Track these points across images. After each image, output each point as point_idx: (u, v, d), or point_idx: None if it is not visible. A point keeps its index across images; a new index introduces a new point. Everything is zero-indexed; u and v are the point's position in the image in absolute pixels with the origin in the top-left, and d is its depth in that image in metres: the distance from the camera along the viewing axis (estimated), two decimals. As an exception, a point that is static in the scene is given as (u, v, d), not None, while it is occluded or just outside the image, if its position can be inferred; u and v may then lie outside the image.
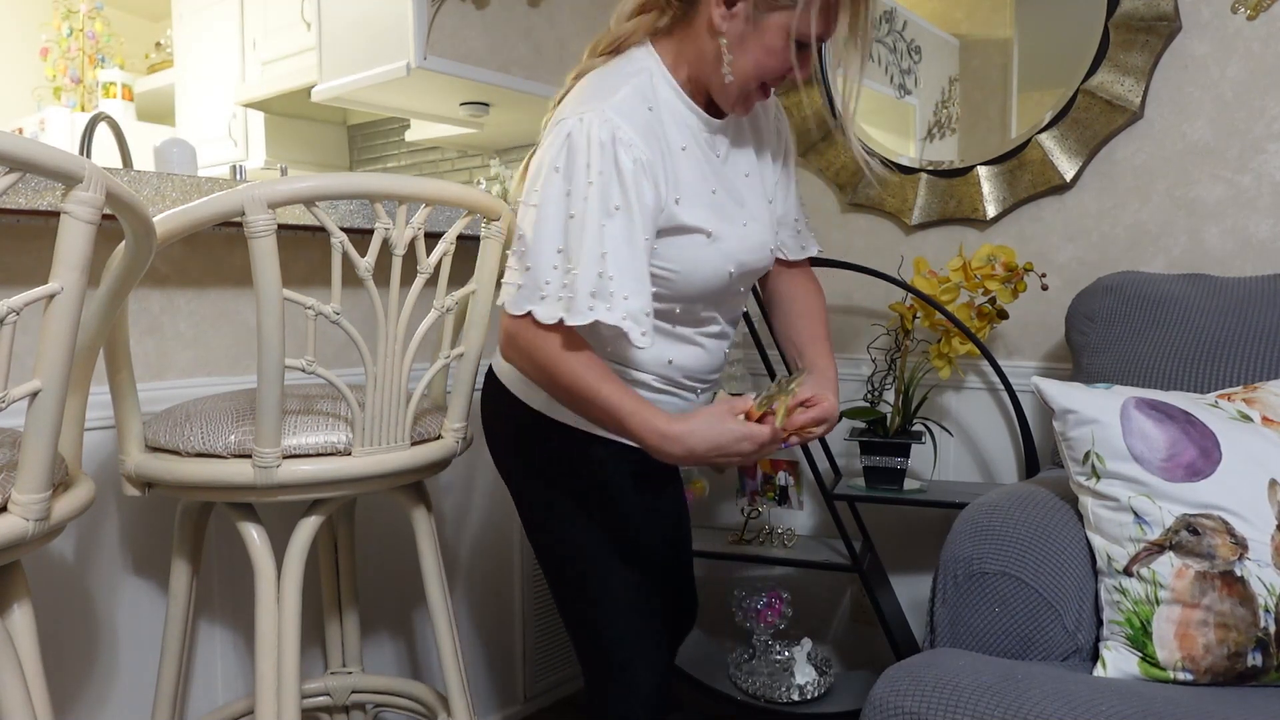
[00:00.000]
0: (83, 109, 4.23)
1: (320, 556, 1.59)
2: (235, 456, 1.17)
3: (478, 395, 1.83)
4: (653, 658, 1.25)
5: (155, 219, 0.98)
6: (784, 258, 1.33)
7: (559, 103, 1.15)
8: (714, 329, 1.25)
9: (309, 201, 1.09)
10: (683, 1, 1.13)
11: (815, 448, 2.10)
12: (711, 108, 1.19)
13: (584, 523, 1.23)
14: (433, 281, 1.23)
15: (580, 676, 1.70)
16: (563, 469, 1.24)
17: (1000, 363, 1.89)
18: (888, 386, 1.97)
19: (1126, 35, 1.78)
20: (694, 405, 1.25)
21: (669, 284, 1.15)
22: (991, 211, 1.96)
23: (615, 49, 1.17)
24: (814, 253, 1.36)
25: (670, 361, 1.21)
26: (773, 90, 1.19)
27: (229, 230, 1.52)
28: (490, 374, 1.31)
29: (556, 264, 1.05)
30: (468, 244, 1.52)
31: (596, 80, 1.13)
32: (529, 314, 1.07)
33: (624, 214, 1.05)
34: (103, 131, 2.38)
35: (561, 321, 1.05)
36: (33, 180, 1.17)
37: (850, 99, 1.16)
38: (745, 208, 1.21)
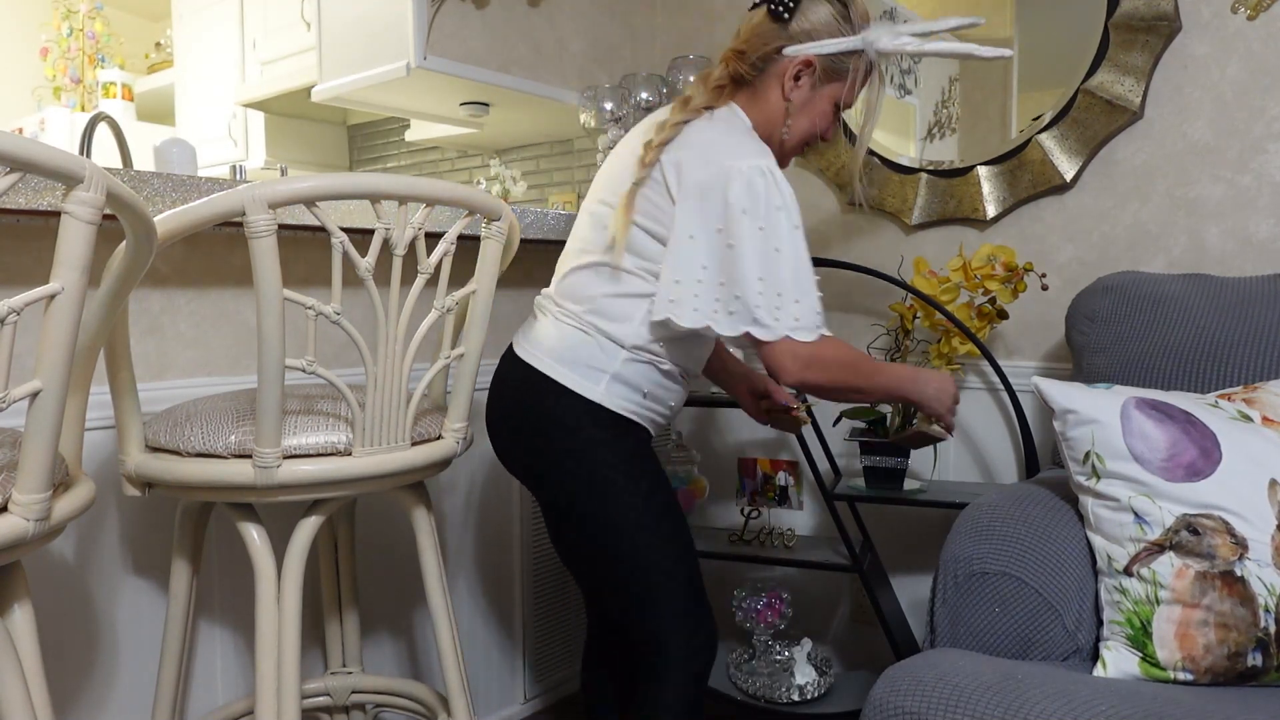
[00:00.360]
0: (83, 109, 4.23)
1: (320, 556, 1.59)
2: (235, 456, 1.17)
3: (478, 395, 1.82)
4: (702, 612, 1.37)
5: (155, 219, 0.98)
6: None
7: (661, 145, 1.30)
8: None
9: (309, 201, 1.09)
10: (758, 72, 1.36)
11: (815, 447, 2.10)
12: None
13: (644, 496, 1.33)
14: (433, 281, 1.23)
15: (578, 677, 1.70)
16: (626, 447, 1.33)
17: (1000, 363, 1.89)
18: (888, 386, 1.97)
19: (1126, 35, 1.78)
20: (685, 393, 1.45)
21: None
22: (991, 211, 1.96)
23: (706, 107, 1.36)
24: None
25: (697, 359, 1.43)
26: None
27: (229, 230, 1.52)
28: (536, 373, 1.33)
29: (810, 288, 1.26)
30: (468, 244, 1.52)
31: (724, 133, 1.31)
32: (823, 336, 1.26)
33: (800, 231, 1.26)
34: (103, 131, 2.38)
35: (821, 335, 1.27)
36: (33, 180, 1.17)
37: (865, 140, 1.46)
38: None
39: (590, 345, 1.31)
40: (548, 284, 1.43)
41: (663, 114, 1.37)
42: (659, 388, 1.35)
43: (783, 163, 1.37)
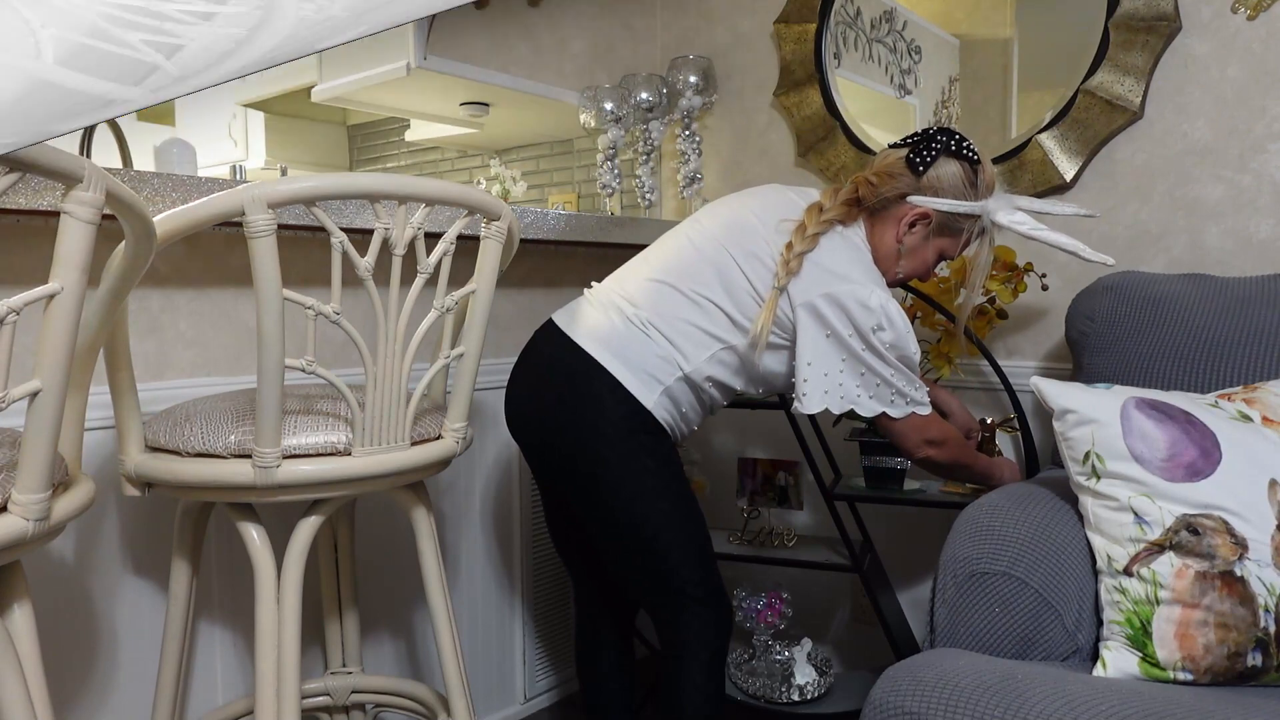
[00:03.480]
0: (83, 109, 4.22)
1: (320, 556, 1.59)
2: (235, 456, 1.17)
3: (478, 395, 1.82)
4: (723, 587, 1.48)
5: (155, 219, 0.98)
6: None
7: (804, 254, 1.40)
8: None
9: (309, 201, 1.09)
10: (882, 207, 1.46)
11: (815, 447, 2.10)
12: None
13: (674, 490, 1.42)
14: (433, 281, 1.23)
15: (576, 678, 1.70)
16: (663, 451, 1.41)
17: (1000, 363, 1.89)
18: (888, 386, 1.97)
19: (1126, 35, 1.78)
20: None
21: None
22: (991, 211, 1.96)
23: (840, 220, 1.45)
24: None
25: (724, 397, 1.53)
26: None
27: (229, 230, 1.52)
28: (595, 364, 1.40)
29: (901, 386, 1.44)
30: (468, 244, 1.52)
31: (850, 254, 1.42)
32: (912, 414, 1.45)
33: (917, 348, 1.45)
34: (103, 131, 2.38)
35: (924, 414, 1.47)
36: (33, 180, 1.17)
37: (971, 299, 1.61)
38: None
39: (658, 358, 1.39)
40: (548, 284, 1.43)
41: (795, 198, 1.49)
42: (693, 411, 1.46)
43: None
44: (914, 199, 1.43)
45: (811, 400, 1.40)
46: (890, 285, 1.48)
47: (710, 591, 1.43)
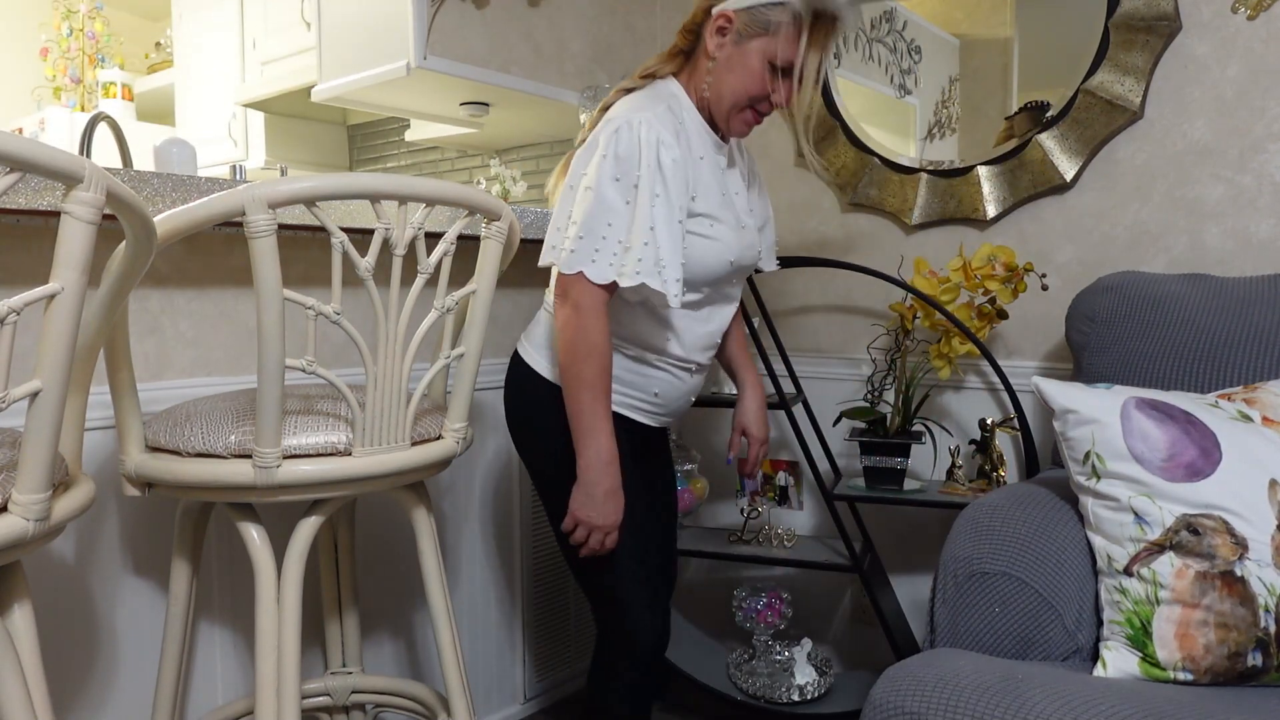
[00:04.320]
0: (83, 109, 4.22)
1: (320, 556, 1.59)
2: (235, 456, 1.17)
3: (478, 395, 1.82)
4: (648, 619, 1.38)
5: (155, 219, 0.98)
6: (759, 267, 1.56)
7: (603, 109, 1.37)
8: (708, 313, 1.43)
9: (309, 201, 1.09)
10: (694, 38, 1.37)
11: (815, 447, 2.10)
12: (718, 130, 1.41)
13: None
14: (433, 281, 1.23)
15: (580, 677, 1.71)
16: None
17: (1000, 363, 1.89)
18: (888, 387, 1.97)
19: (1126, 35, 1.78)
20: (687, 384, 1.45)
21: (685, 269, 1.32)
22: (992, 211, 1.96)
23: (648, 77, 1.41)
24: (773, 268, 1.62)
25: (669, 339, 1.40)
26: (753, 125, 1.39)
27: (229, 230, 1.52)
28: (515, 356, 1.46)
29: (606, 235, 1.25)
30: (468, 244, 1.52)
31: (640, 98, 1.34)
32: (580, 273, 1.25)
33: (664, 201, 1.26)
34: (103, 131, 2.38)
35: (614, 284, 1.26)
36: (33, 180, 1.17)
37: (806, 105, 1.37)
38: (740, 214, 1.43)
39: (549, 328, 1.39)
40: (547, 284, 1.44)
41: None
42: (631, 373, 1.39)
43: (727, 130, 1.38)
44: (716, 8, 1.31)
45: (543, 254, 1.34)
46: (730, 117, 1.35)
47: (632, 619, 1.37)
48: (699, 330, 1.43)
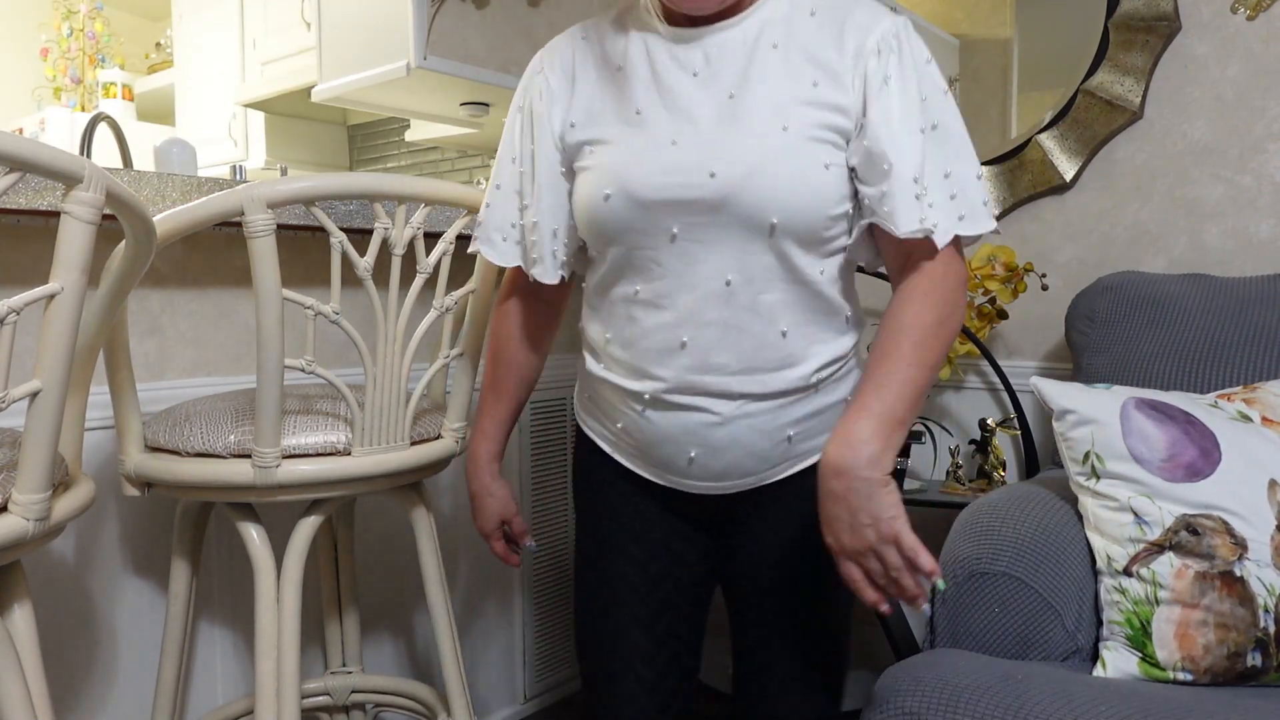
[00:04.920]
0: (83, 109, 4.23)
1: (320, 556, 1.59)
2: (235, 456, 1.17)
3: (478, 395, 1.83)
4: (631, 697, 1.11)
5: (155, 219, 0.98)
6: (888, 231, 0.98)
7: None
8: (655, 292, 0.96)
9: (309, 201, 1.09)
10: None
11: (815, 448, 2.10)
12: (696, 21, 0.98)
13: (580, 531, 1.17)
14: (432, 281, 1.23)
15: (579, 679, 1.70)
16: (576, 473, 1.19)
17: (1000, 363, 1.89)
18: (888, 386, 1.97)
19: (1126, 35, 1.78)
20: (668, 422, 0.99)
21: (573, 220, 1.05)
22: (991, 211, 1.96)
23: None
24: (931, 228, 0.96)
25: (608, 339, 1.01)
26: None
27: (229, 230, 1.52)
28: None
29: (490, 203, 1.12)
30: (467, 244, 1.52)
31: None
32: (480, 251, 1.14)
33: (508, 134, 1.10)
34: (103, 131, 2.38)
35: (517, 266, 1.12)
36: (33, 180, 1.17)
37: None
38: (690, 124, 0.95)
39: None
40: None
41: None
42: (589, 387, 1.09)
43: (681, 4, 0.94)
44: None
45: None
46: None
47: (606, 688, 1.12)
48: (648, 323, 0.96)
